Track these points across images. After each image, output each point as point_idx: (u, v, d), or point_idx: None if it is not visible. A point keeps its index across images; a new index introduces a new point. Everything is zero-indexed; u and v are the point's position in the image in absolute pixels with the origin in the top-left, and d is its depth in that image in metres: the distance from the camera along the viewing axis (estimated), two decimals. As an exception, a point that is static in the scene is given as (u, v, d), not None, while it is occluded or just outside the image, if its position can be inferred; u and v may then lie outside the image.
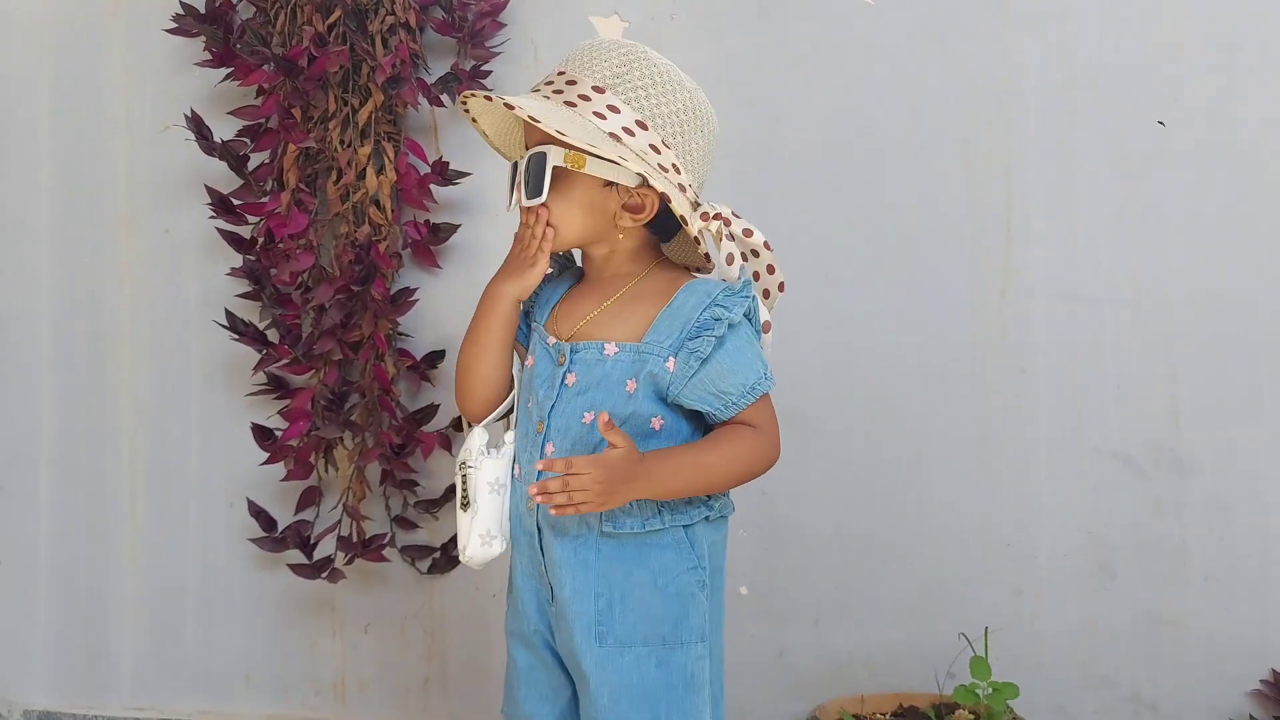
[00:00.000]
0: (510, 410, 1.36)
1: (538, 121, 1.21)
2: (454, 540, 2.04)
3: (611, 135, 1.24)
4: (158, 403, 2.20)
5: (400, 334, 2.06)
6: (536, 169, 1.27)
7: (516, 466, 1.32)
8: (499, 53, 2.01)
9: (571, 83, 1.28)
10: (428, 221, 2.02)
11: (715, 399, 1.24)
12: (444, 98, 2.02)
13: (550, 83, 1.30)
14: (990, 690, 1.65)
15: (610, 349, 1.26)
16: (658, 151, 1.24)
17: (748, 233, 1.29)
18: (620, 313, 1.28)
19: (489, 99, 1.28)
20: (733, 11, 1.96)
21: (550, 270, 1.42)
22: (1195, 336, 1.80)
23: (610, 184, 1.28)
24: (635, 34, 1.98)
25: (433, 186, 2.01)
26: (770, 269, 1.32)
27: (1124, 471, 1.82)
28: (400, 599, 2.08)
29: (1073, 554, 1.83)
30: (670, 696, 1.23)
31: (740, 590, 1.92)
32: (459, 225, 2.03)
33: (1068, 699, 1.80)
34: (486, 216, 2.05)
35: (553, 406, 1.28)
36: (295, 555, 2.05)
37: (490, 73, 2.01)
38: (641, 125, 1.25)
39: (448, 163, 2.00)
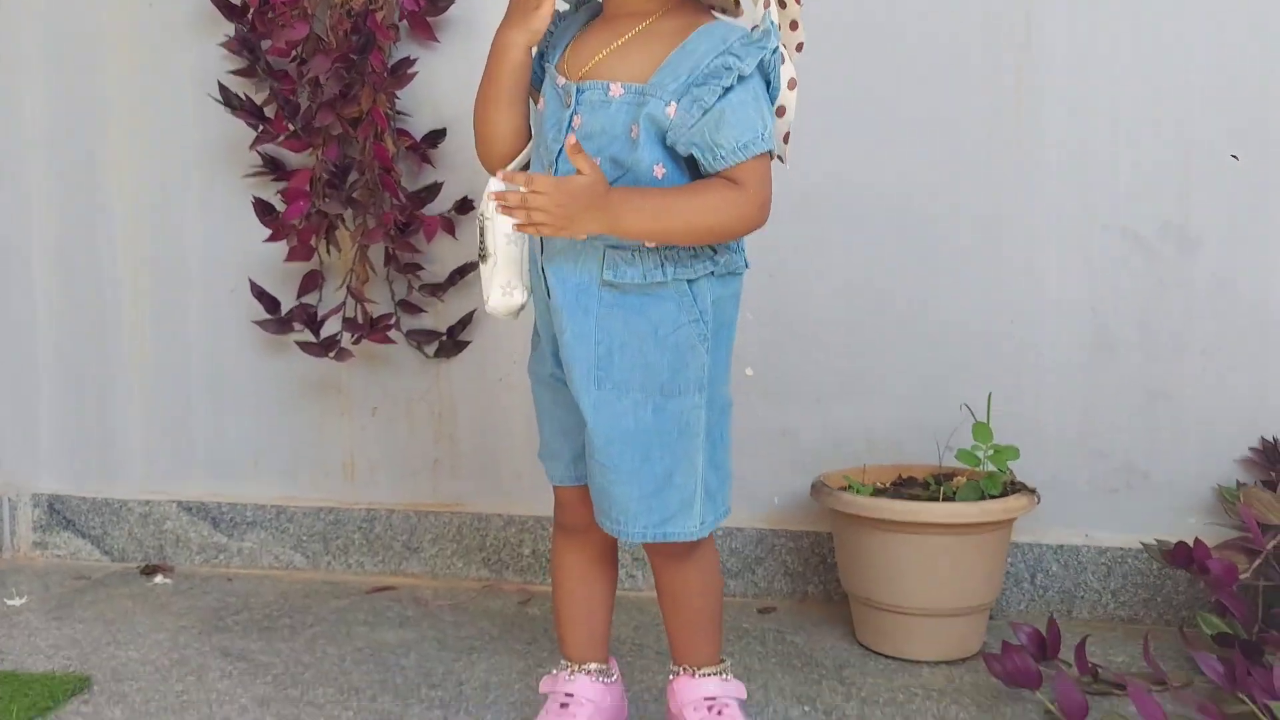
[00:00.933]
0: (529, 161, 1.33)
1: None
2: (460, 323, 2.05)
3: None
4: (151, 184, 2.15)
5: (399, 113, 2.00)
6: None
7: None
8: None
9: None
10: (426, -9, 1.94)
11: (706, 149, 1.19)
12: None
13: None
14: (991, 452, 1.70)
15: (615, 90, 1.22)
16: None
17: None
18: (631, 52, 1.23)
19: None
20: None
21: (566, 6, 1.37)
22: (1210, 116, 1.78)
23: None
24: None
25: (431, -47, 1.92)
26: (794, 25, 1.27)
27: (1132, 249, 1.83)
28: (407, 382, 2.10)
29: (1075, 331, 1.86)
30: (663, 441, 1.25)
31: (746, 371, 1.95)
32: (460, -4, 1.95)
33: (1063, 470, 1.86)
34: (487, -13, 1.97)
35: (560, 150, 1.25)
36: (300, 338, 2.04)
37: None
38: None
39: (447, -74, 1.90)
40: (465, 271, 2.02)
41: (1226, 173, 1.79)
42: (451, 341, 2.05)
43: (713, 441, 1.29)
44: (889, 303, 1.90)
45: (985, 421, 1.74)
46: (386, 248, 2.01)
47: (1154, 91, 1.80)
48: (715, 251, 1.26)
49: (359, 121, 1.95)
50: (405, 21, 1.96)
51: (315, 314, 2.01)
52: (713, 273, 1.26)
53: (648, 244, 1.22)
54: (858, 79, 1.87)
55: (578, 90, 1.24)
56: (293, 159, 2.04)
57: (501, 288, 1.29)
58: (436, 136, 2.00)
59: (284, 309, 2.06)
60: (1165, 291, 1.83)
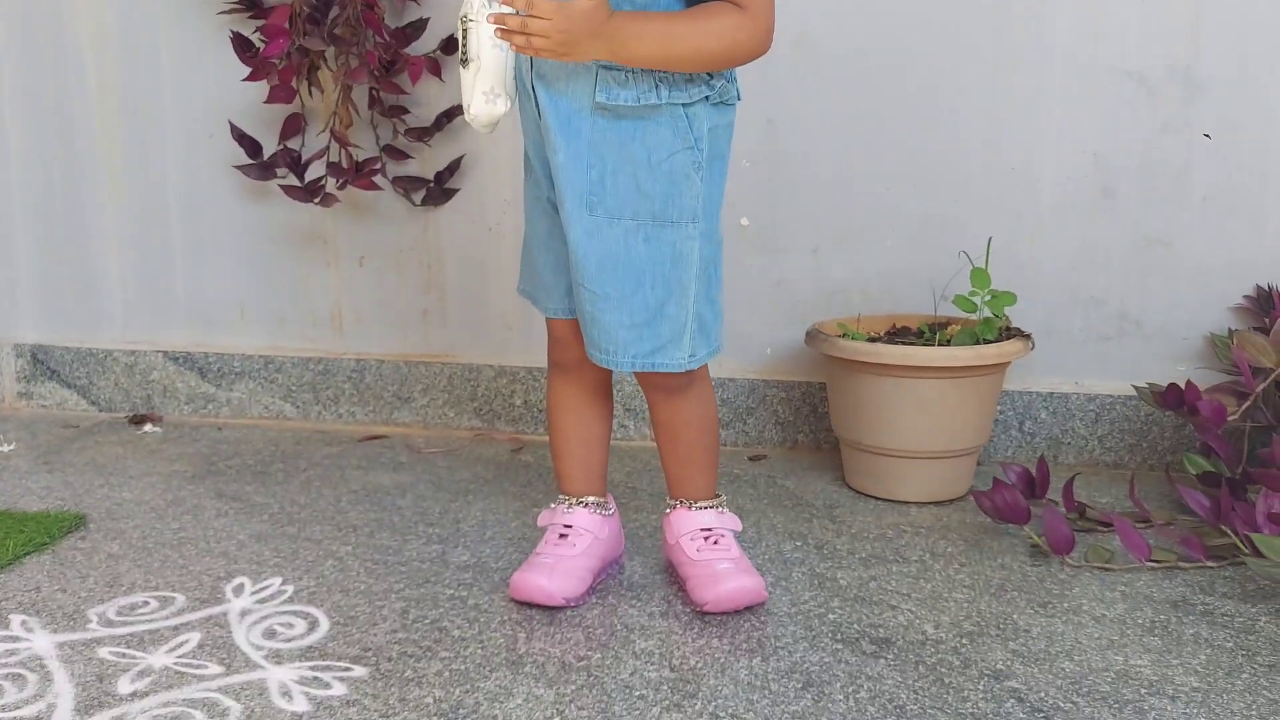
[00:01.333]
0: None
1: None
2: (449, 170, 1.99)
3: None
4: (122, 27, 2.06)
5: (382, -55, 1.91)
6: None
7: None
8: None
9: None
10: None
11: None
12: None
13: None
14: (989, 298, 1.69)
15: None
16: None
17: None
18: None
19: None
20: None
21: None
22: (1228, -55, 1.72)
23: None
24: None
25: None
26: None
27: (1137, 91, 1.79)
28: (394, 232, 2.06)
29: (1075, 177, 1.83)
30: (656, 269, 1.23)
31: (741, 221, 1.92)
32: None
33: (1057, 318, 1.86)
34: None
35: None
36: (284, 182, 1.99)
37: None
38: None
39: None
40: (452, 115, 1.96)
41: (1237, 14, 1.74)
42: (439, 189, 2.01)
43: (707, 275, 1.27)
44: (886, 147, 1.86)
45: (984, 267, 1.72)
46: (371, 89, 1.94)
47: (1169, -75, 1.73)
48: (711, 76, 1.21)
49: (339, -47, 1.86)
50: None
51: (299, 158, 1.95)
52: (707, 98, 1.22)
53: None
54: (862, -90, 1.79)
55: None
56: (270, -6, 1.95)
57: (484, 94, 1.22)
58: (421, -30, 1.91)
59: (266, 153, 2.00)
60: (1168, 136, 1.79)
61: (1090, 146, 1.82)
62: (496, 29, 1.14)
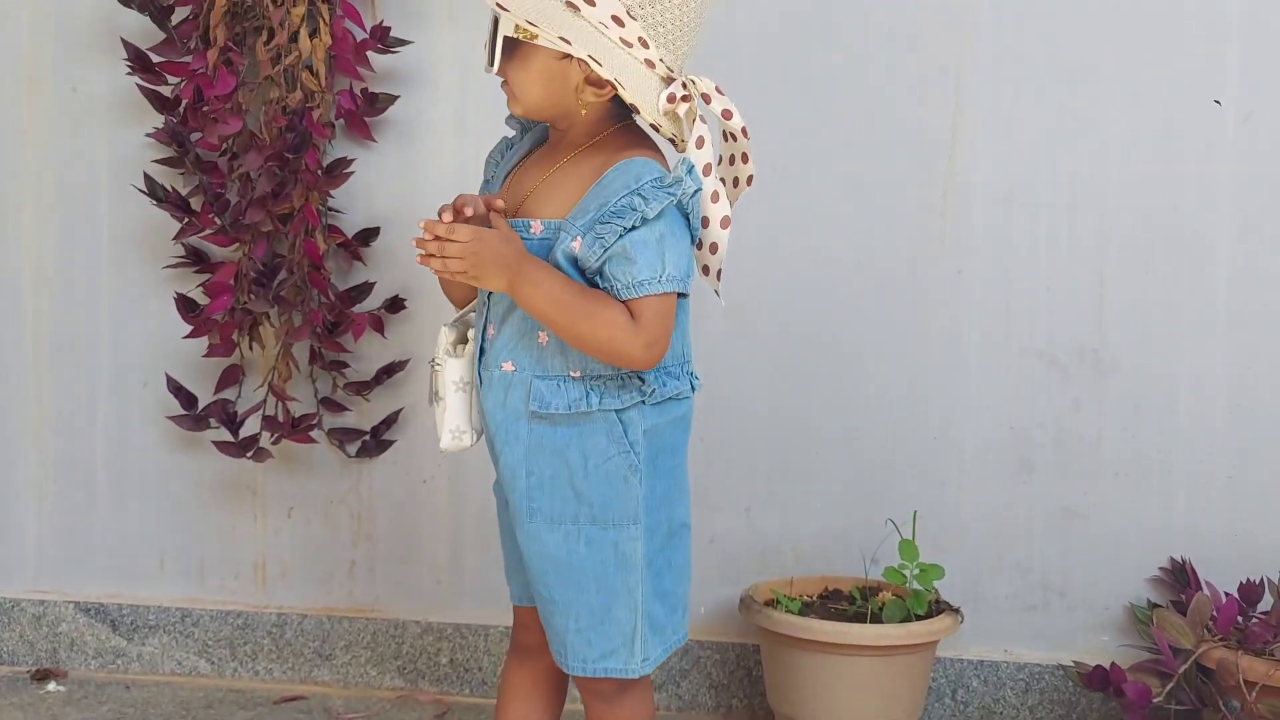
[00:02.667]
0: None
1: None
2: (385, 423, 2.00)
3: (569, 5, 1.19)
4: (64, 272, 2.08)
5: (332, 209, 1.98)
6: (491, 37, 1.24)
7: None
8: (445, -86, 1.92)
9: None
10: (364, 90, 1.94)
11: (605, 283, 1.21)
12: (385, -40, 1.92)
13: None
14: (918, 571, 1.72)
15: (536, 228, 1.24)
16: (620, 24, 1.19)
17: (727, 114, 1.26)
18: (555, 187, 1.25)
19: None
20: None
21: (513, 134, 1.38)
22: (1124, 241, 1.87)
23: (568, 55, 1.23)
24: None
25: (370, 53, 1.93)
26: (744, 157, 1.30)
27: (1048, 371, 1.89)
28: (326, 483, 2.04)
29: (995, 447, 1.91)
30: (600, 573, 1.24)
31: (673, 479, 1.94)
32: (397, 96, 1.95)
33: (983, 584, 1.90)
34: (428, 90, 1.97)
35: (493, 295, 1.26)
36: (216, 436, 1.98)
37: (438, -66, 1.91)
38: None
39: (389, 28, 1.91)
40: (393, 370, 1.99)
41: (1137, 296, 1.87)
42: (375, 441, 2.01)
43: (656, 570, 1.27)
44: (815, 414, 1.93)
45: (911, 539, 1.76)
46: (312, 345, 1.97)
47: (1070, 228, 1.88)
48: (644, 381, 1.25)
49: (289, 217, 1.92)
50: (342, 120, 1.95)
51: (234, 413, 1.95)
52: (643, 402, 1.25)
53: (544, 338, 1.23)
54: (785, 200, 1.91)
55: (510, 226, 1.25)
56: (217, 251, 1.99)
57: (451, 432, 1.32)
58: (369, 234, 1.98)
59: (201, 404, 2.00)
60: (1080, 412, 1.89)
61: (1007, 420, 1.90)
62: (417, 254, 1.19)
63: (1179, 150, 1.85)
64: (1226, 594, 1.73)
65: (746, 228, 1.88)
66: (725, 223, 1.26)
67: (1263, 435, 1.85)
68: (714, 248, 1.27)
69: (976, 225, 1.90)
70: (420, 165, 1.99)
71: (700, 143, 1.23)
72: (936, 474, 1.92)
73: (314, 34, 1.90)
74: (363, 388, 1.98)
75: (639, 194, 1.18)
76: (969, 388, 1.91)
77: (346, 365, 1.99)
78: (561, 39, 1.18)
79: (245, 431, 1.97)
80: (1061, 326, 1.89)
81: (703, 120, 1.24)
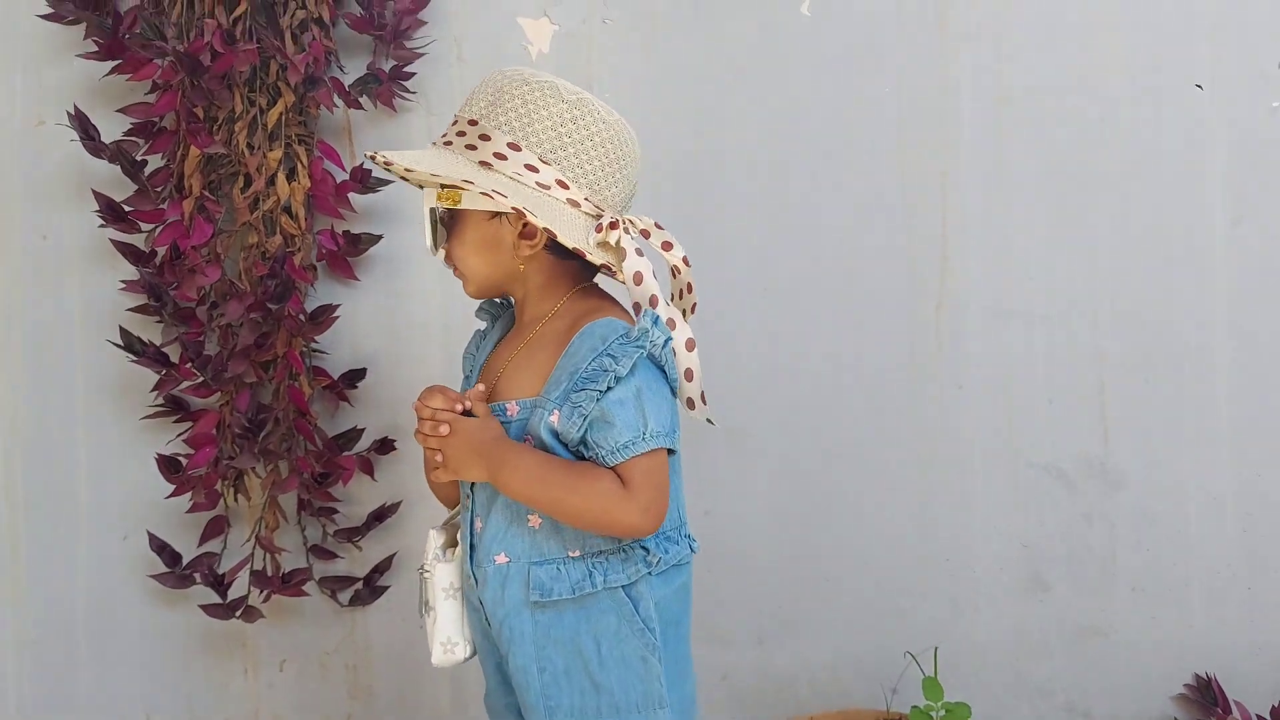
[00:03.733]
0: None
1: (394, 165, 1.20)
2: (378, 569, 1.93)
3: (482, 164, 1.18)
4: (38, 425, 2.00)
5: (316, 350, 1.92)
6: (430, 221, 1.24)
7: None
8: (422, 53, 1.89)
9: (454, 123, 1.23)
10: (346, 232, 1.89)
11: (590, 450, 1.16)
12: (362, 100, 1.89)
13: (445, 132, 1.25)
14: (944, 711, 1.66)
15: (512, 409, 1.21)
16: (535, 170, 1.18)
17: (667, 246, 1.23)
18: (524, 364, 1.22)
19: (373, 157, 1.23)
20: (669, 17, 1.90)
21: (484, 325, 1.36)
22: (1122, 351, 1.85)
23: (496, 215, 1.21)
24: (566, 38, 1.90)
25: (351, 195, 1.89)
26: (689, 288, 1.27)
27: (1056, 484, 1.86)
28: (319, 633, 1.96)
29: (1008, 567, 1.86)
30: None
31: (679, 611, 1.88)
32: (380, 236, 1.91)
33: (1006, 711, 1.84)
34: (409, 226, 1.93)
35: (475, 484, 1.23)
36: (204, 593, 1.90)
37: (413, 74, 1.89)
38: (514, 147, 1.18)
39: (369, 170, 1.87)
40: (384, 514, 1.92)
41: (1139, 406, 1.84)
42: (369, 588, 1.94)
43: None
44: (823, 542, 1.88)
45: (934, 676, 1.71)
46: (300, 494, 1.90)
47: (1068, 338, 1.86)
48: (647, 550, 1.19)
49: (272, 363, 1.86)
50: (324, 261, 1.91)
51: (220, 575, 1.87)
52: (649, 573, 1.19)
53: (535, 521, 1.20)
54: (779, 322, 1.88)
55: (490, 411, 1.23)
56: (197, 400, 1.93)
57: (443, 645, 1.26)
58: (355, 375, 1.92)
59: (184, 560, 1.92)
60: (1092, 526, 1.85)
61: (1018, 537, 1.86)
62: (419, 438, 1.20)
63: (1171, 257, 1.84)
64: (1258, 716, 1.68)
65: (740, 353, 1.85)
66: (690, 345, 1.22)
67: (1278, 543, 1.82)
68: (689, 374, 1.23)
69: (973, 338, 1.87)
70: (404, 302, 1.95)
71: (639, 278, 1.20)
72: (951, 597, 1.87)
73: (292, 177, 1.86)
74: (354, 533, 1.92)
75: (608, 354, 1.14)
76: (977, 506, 1.87)
77: (336, 511, 1.92)
78: (488, 194, 1.16)
79: (234, 589, 1.89)
80: (1066, 439, 1.86)
81: (639, 254, 1.21)
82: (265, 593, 1.87)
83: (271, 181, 1.84)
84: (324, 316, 1.88)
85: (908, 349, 1.87)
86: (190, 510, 1.89)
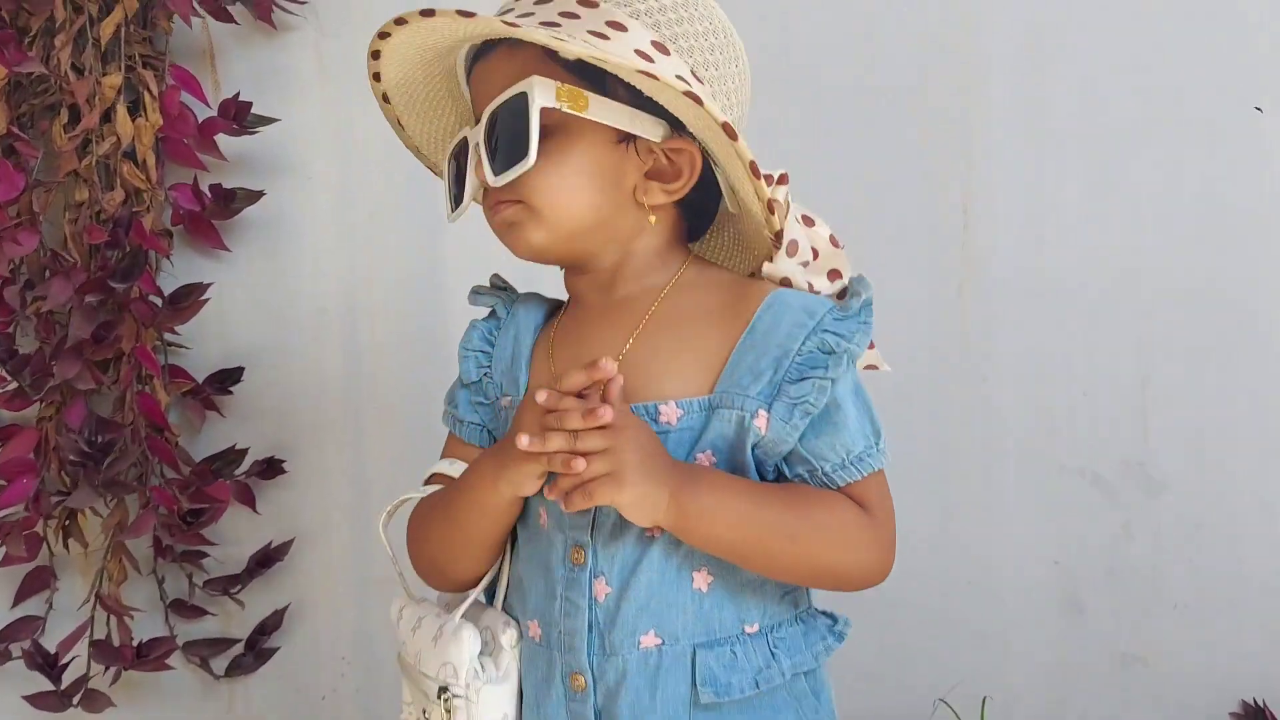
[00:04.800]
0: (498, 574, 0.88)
1: (514, 26, 0.76)
2: (263, 628, 1.49)
3: (595, 34, 0.79)
4: None
5: (173, 345, 1.46)
6: (513, 119, 0.80)
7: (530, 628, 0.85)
8: (314, -51, 1.44)
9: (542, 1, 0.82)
10: (214, 186, 1.43)
11: (802, 463, 0.83)
12: (233, 9, 1.42)
13: (522, 6, 0.83)
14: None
15: (669, 413, 0.81)
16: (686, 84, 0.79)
17: (808, 220, 0.89)
18: (667, 348, 0.83)
19: (429, 13, 0.79)
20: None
21: (484, 314, 0.94)
22: (1168, 337, 1.59)
23: (627, 139, 0.83)
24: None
25: (220, 137, 1.42)
26: (835, 274, 0.92)
27: (1093, 492, 1.60)
28: (186, 713, 1.50)
29: (1040, 587, 1.59)
30: None
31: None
32: (261, 193, 1.45)
33: (1041, 753, 1.58)
34: (293, 178, 1.49)
35: (595, 522, 0.82)
36: (26, 676, 1.41)
37: (305, -24, 1.43)
38: (660, 49, 0.81)
39: (247, 103, 1.41)
40: (270, 559, 1.48)
41: (1189, 401, 1.59)
42: (252, 654, 1.49)
43: None
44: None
45: (982, 731, 1.42)
46: (157, 535, 1.43)
47: (1107, 322, 1.59)
48: (833, 619, 0.88)
49: (114, 363, 1.39)
50: (182, 226, 1.44)
51: (49, 653, 1.38)
52: (838, 647, 0.87)
53: (702, 581, 0.81)
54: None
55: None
56: (8, 414, 1.43)
57: None
58: (227, 377, 1.47)
59: (-5, 628, 1.43)
60: (1133, 539, 1.60)
61: (1051, 553, 1.59)
62: (524, 442, 0.75)
63: (1228, 228, 1.58)
64: (1332, 752, 1.47)
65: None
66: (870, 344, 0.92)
67: (1334, 551, 1.61)
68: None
69: (1000, 323, 1.58)
70: (293, 279, 1.50)
71: (795, 248, 0.87)
72: (979, 624, 1.58)
73: (136, 111, 1.38)
74: (230, 583, 1.47)
75: (826, 330, 0.81)
76: (1006, 519, 1.59)
77: (205, 555, 1.47)
78: (694, 96, 0.77)
79: (70, 669, 1.40)
80: (1104, 439, 1.59)
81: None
82: (113, 669, 1.40)
83: (108, 117, 1.37)
84: (186, 300, 1.41)
85: (925, 336, 1.57)
86: (1, 564, 1.39)
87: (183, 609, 1.46)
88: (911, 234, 1.57)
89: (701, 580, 0.81)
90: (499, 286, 0.95)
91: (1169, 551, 1.60)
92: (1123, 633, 1.60)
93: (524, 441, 0.74)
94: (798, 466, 0.83)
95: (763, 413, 0.80)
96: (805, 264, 0.88)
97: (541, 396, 0.76)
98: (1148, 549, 1.60)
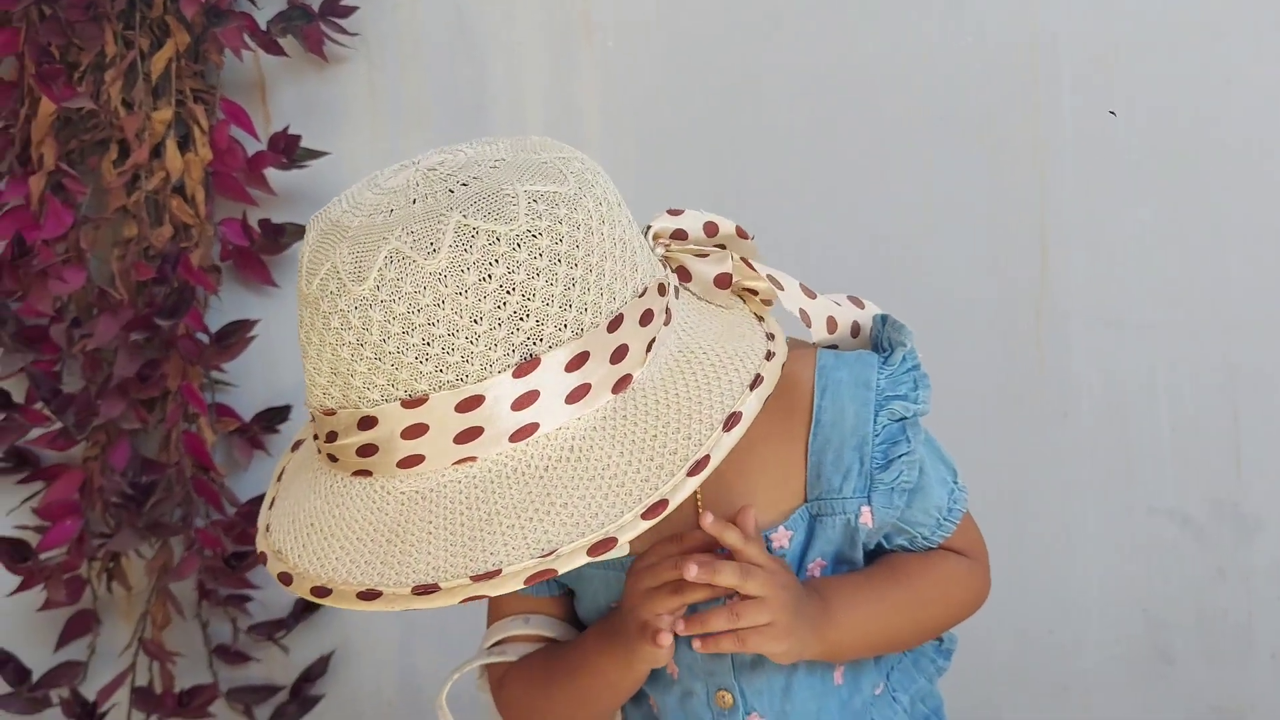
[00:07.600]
0: None
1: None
2: (310, 674, 1.44)
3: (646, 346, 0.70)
4: None
5: (219, 382, 1.43)
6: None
7: None
8: (362, -18, 1.43)
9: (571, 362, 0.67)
10: (262, 221, 1.41)
11: (901, 534, 0.82)
12: (283, 42, 1.41)
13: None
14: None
15: (781, 538, 0.78)
16: (651, 310, 0.72)
17: (702, 255, 0.85)
18: (740, 470, 0.74)
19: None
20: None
21: None
22: (1258, 367, 1.51)
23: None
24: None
25: (268, 171, 1.40)
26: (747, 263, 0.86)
27: (1182, 534, 1.51)
28: (229, 764, 1.46)
29: (1125, 638, 1.51)
30: None
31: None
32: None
33: (1129, 820, 1.48)
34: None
35: (736, 661, 0.79)
36: (64, 722, 1.37)
37: (354, 8, 1.41)
38: (616, 320, 0.69)
39: (296, 136, 1.39)
40: (315, 604, 1.43)
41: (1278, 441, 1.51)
42: (297, 702, 1.44)
43: None
44: (900, 617, 1.48)
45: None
46: (200, 581, 1.39)
47: (1192, 352, 1.51)
48: (939, 641, 0.91)
49: (160, 402, 1.36)
50: (231, 261, 1.41)
51: (88, 703, 1.34)
52: (940, 669, 0.93)
53: (838, 674, 0.83)
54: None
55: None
56: (53, 454, 1.40)
57: None
58: (276, 416, 1.43)
59: (36, 674, 1.39)
60: (1225, 584, 1.51)
61: (1138, 601, 1.50)
62: (696, 641, 0.72)
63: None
64: None
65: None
66: (831, 324, 0.86)
67: None
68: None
69: (1079, 354, 1.51)
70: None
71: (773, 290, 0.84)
72: (1056, 679, 1.50)
73: (186, 146, 1.36)
74: (275, 628, 1.43)
75: (890, 396, 0.78)
76: (1087, 564, 1.51)
77: (250, 599, 1.43)
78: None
79: (111, 717, 1.37)
80: (1193, 477, 1.50)
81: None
82: (154, 717, 1.36)
83: (157, 152, 1.35)
84: (233, 337, 1.38)
85: (1002, 373, 1.50)
86: (43, 608, 1.36)
87: (226, 654, 1.42)
88: (984, 266, 1.50)
89: (838, 674, 0.82)
90: None
91: (1264, 597, 1.51)
92: (1214, 685, 1.51)
93: (692, 572, 0.69)
94: (897, 538, 0.82)
95: (865, 509, 0.79)
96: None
97: (691, 572, 0.69)
98: (1241, 594, 1.51)
